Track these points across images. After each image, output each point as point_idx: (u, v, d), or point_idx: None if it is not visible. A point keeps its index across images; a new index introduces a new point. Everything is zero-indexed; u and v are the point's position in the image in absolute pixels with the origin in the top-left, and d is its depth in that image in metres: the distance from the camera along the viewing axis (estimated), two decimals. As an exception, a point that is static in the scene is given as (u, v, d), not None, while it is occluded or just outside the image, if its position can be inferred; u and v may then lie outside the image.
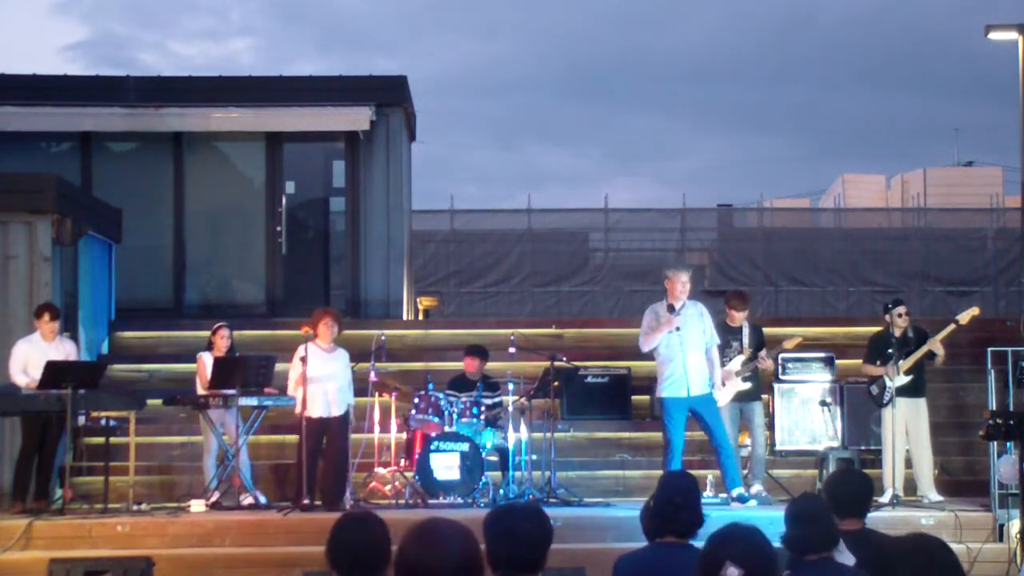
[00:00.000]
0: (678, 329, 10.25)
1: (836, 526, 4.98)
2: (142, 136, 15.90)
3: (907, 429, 10.72)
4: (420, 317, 18.13)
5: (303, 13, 68.86)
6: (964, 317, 10.72)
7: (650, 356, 10.71)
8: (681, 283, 10.41)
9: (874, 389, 10.82)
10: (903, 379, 10.65)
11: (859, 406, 11.55)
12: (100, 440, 10.95)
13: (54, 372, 10.18)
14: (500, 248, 24.83)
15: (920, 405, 10.77)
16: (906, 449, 10.78)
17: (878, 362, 10.78)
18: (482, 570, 3.45)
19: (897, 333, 10.82)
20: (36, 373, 10.37)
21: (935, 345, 10.65)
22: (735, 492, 10.26)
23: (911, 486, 10.89)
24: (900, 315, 10.84)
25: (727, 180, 63.16)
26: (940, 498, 10.61)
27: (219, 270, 16.20)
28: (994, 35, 16.42)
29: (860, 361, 12.62)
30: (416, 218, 19.68)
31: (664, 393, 10.43)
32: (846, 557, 4.95)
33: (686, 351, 10.25)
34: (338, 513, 9.87)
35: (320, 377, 10.46)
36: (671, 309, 10.36)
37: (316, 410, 10.43)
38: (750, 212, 27.77)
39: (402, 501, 10.57)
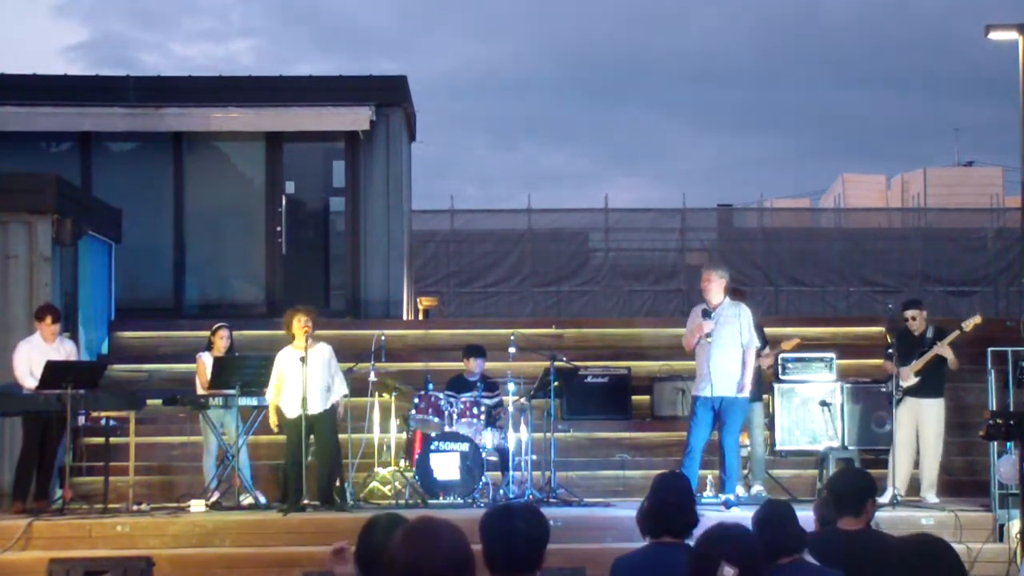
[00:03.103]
0: (708, 336, 10.23)
1: (802, 528, 5.06)
2: (142, 136, 15.91)
3: (916, 430, 10.76)
4: (420, 317, 18.13)
5: (303, 14, 68.87)
6: (968, 325, 10.75)
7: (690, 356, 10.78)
8: (704, 281, 10.41)
9: (885, 387, 10.90)
10: (912, 380, 10.69)
11: (859, 406, 11.56)
12: (100, 440, 10.96)
13: (54, 372, 10.18)
14: (500, 248, 24.82)
15: (928, 406, 10.77)
16: (915, 449, 10.80)
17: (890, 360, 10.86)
18: (474, 570, 3.44)
19: (917, 333, 10.87)
20: (37, 374, 10.37)
21: (944, 349, 10.68)
22: (722, 497, 10.24)
23: (917, 486, 10.90)
24: (909, 319, 10.90)
25: (727, 180, 63.22)
26: (937, 500, 10.62)
27: (219, 270, 16.20)
28: (994, 35, 16.43)
29: (859, 361, 12.66)
30: (416, 218, 19.68)
31: (693, 391, 10.55)
32: (810, 558, 5.00)
33: (713, 350, 10.22)
34: (340, 514, 9.99)
35: (298, 378, 10.31)
36: (706, 314, 10.33)
37: (296, 409, 10.34)
38: (750, 212, 27.77)
39: (402, 501, 10.57)
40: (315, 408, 10.39)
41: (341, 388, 10.71)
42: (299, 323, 10.47)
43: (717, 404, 10.23)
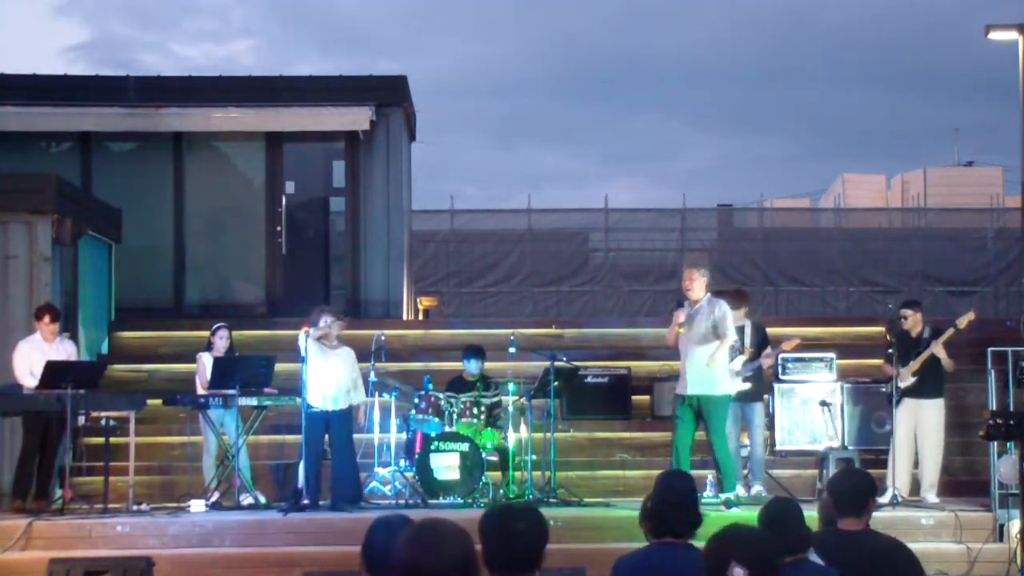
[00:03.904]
0: (682, 327, 10.22)
1: (808, 527, 5.05)
2: (142, 136, 15.91)
3: (916, 430, 10.76)
4: (420, 317, 18.14)
5: (304, 14, 68.86)
6: (962, 322, 10.74)
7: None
8: (686, 279, 10.35)
9: (885, 388, 10.90)
10: (910, 380, 10.69)
11: (859, 406, 11.56)
12: (100, 440, 10.95)
13: (54, 372, 10.18)
14: (500, 248, 24.83)
15: (928, 406, 10.75)
16: (915, 449, 10.81)
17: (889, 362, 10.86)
18: (479, 571, 3.44)
19: (913, 333, 10.87)
20: (37, 374, 10.37)
21: (938, 350, 10.67)
22: (723, 497, 10.18)
23: (917, 486, 10.89)
24: (904, 317, 10.90)
25: (727, 180, 63.27)
26: (936, 500, 10.62)
27: (219, 270, 16.21)
28: (994, 35, 16.43)
29: (859, 361, 12.66)
30: (416, 218, 19.68)
31: (676, 389, 10.52)
32: (815, 558, 4.99)
33: (689, 348, 10.22)
34: (340, 514, 9.99)
35: (321, 372, 10.43)
36: (680, 304, 10.35)
37: (316, 402, 10.40)
38: (750, 212, 27.76)
39: (402, 501, 10.57)
40: (333, 405, 10.45)
41: (360, 395, 10.75)
42: (323, 324, 10.51)
43: (695, 403, 10.19)
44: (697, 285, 10.31)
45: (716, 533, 4.10)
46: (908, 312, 10.95)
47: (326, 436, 10.55)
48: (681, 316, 10.23)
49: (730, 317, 10.28)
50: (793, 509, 5.13)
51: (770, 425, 11.57)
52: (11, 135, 15.31)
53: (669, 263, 24.97)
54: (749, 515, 9.05)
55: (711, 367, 10.12)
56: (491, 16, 68.13)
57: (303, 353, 10.28)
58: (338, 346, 10.68)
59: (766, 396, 11.48)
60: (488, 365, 11.78)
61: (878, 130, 65.35)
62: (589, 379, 12.60)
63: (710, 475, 10.72)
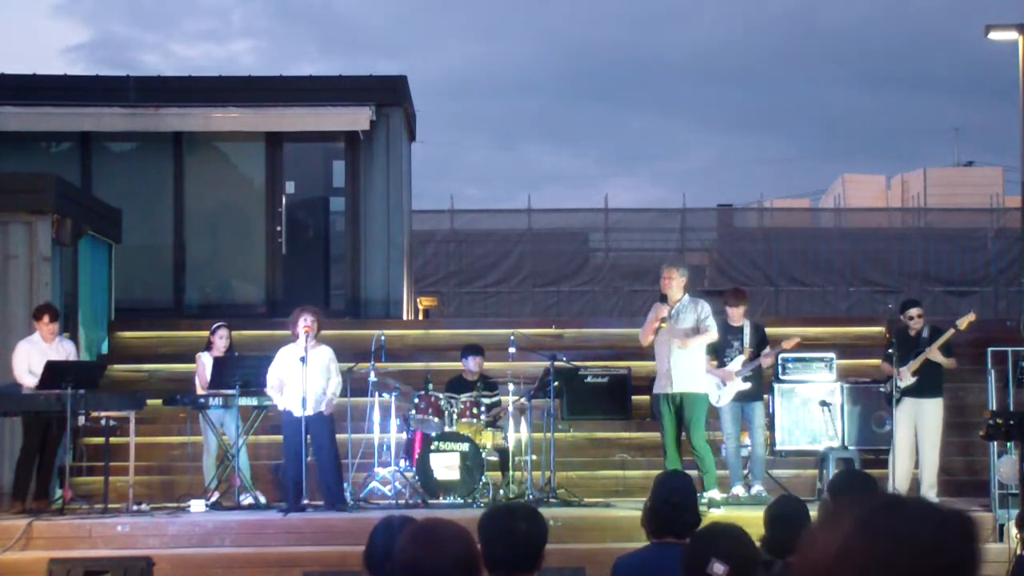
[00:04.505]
0: (664, 321, 10.20)
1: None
2: (142, 136, 15.91)
3: (915, 429, 10.76)
4: (420, 317, 18.14)
5: (304, 15, 68.98)
6: (963, 323, 10.73)
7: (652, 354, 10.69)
8: (665, 279, 10.35)
9: (884, 388, 10.90)
10: (910, 379, 10.69)
11: (859, 406, 11.56)
12: (100, 440, 10.95)
13: (54, 372, 10.18)
14: (500, 248, 24.83)
15: (927, 406, 10.75)
16: (915, 449, 10.80)
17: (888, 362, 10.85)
18: (479, 571, 3.44)
19: (911, 333, 10.87)
20: (36, 373, 10.37)
21: (933, 354, 10.66)
22: (706, 496, 9.92)
23: (917, 486, 10.89)
24: (911, 317, 10.90)
25: (727, 180, 63.33)
26: (937, 500, 10.60)
27: (219, 270, 16.21)
28: (994, 35, 16.43)
29: (860, 361, 12.66)
30: (416, 218, 19.68)
31: (654, 389, 10.50)
32: None
33: (671, 347, 10.20)
34: (340, 514, 9.98)
35: (297, 375, 10.29)
36: (663, 299, 10.34)
37: (292, 407, 10.29)
38: (750, 212, 27.76)
39: (402, 501, 10.57)
40: (312, 409, 10.35)
41: (335, 388, 10.60)
42: (303, 323, 10.43)
43: (678, 400, 10.18)
44: (676, 284, 10.32)
45: (697, 530, 4.12)
46: (920, 310, 10.94)
47: (308, 437, 10.44)
48: (664, 311, 10.20)
49: (710, 315, 10.32)
50: (799, 507, 5.13)
51: (770, 425, 11.56)
52: (11, 135, 15.31)
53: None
54: (750, 515, 9.06)
55: (688, 353, 10.10)
56: (491, 16, 68.20)
57: (283, 362, 10.31)
58: (315, 346, 10.53)
59: (766, 396, 11.47)
60: (488, 365, 11.78)
61: (878, 130, 65.41)
62: (589, 379, 12.60)
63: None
